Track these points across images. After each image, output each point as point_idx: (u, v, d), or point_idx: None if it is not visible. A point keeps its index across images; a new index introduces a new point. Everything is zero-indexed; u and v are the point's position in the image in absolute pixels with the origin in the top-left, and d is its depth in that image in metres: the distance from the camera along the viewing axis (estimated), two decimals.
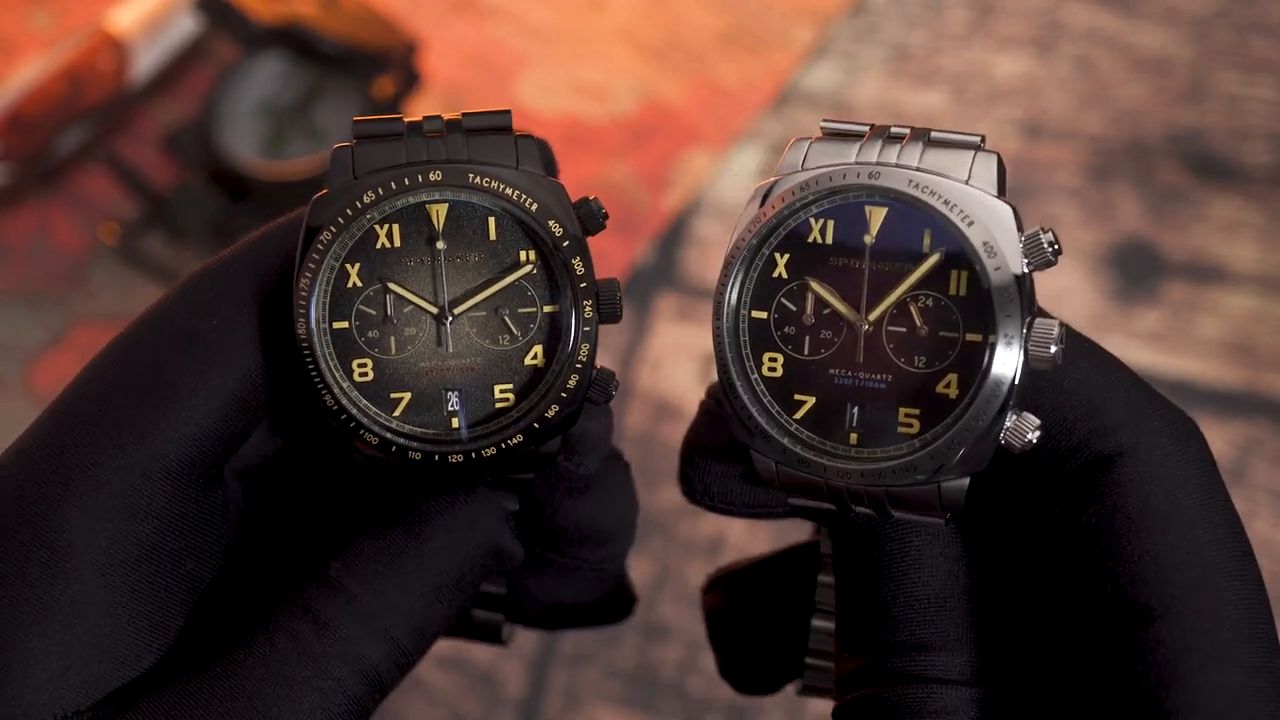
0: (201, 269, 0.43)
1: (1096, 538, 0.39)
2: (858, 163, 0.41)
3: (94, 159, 1.01)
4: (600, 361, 0.44)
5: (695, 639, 0.85)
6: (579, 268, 0.43)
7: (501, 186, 0.42)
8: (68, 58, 0.99)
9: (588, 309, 0.43)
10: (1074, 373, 0.41)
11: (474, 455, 0.43)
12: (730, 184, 1.00)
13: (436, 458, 0.43)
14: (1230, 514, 0.39)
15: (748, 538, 0.87)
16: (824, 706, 0.83)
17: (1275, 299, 0.92)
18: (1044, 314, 0.40)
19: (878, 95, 1.02)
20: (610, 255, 0.95)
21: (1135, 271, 0.94)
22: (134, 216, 0.97)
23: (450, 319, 0.43)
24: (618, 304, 0.43)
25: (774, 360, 0.43)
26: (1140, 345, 0.90)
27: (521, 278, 0.43)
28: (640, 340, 0.94)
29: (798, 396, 0.42)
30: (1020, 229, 0.40)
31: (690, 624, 0.85)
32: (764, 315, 0.43)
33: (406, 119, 0.43)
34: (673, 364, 0.93)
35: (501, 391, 0.44)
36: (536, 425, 0.43)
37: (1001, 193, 0.41)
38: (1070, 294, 0.92)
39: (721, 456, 0.44)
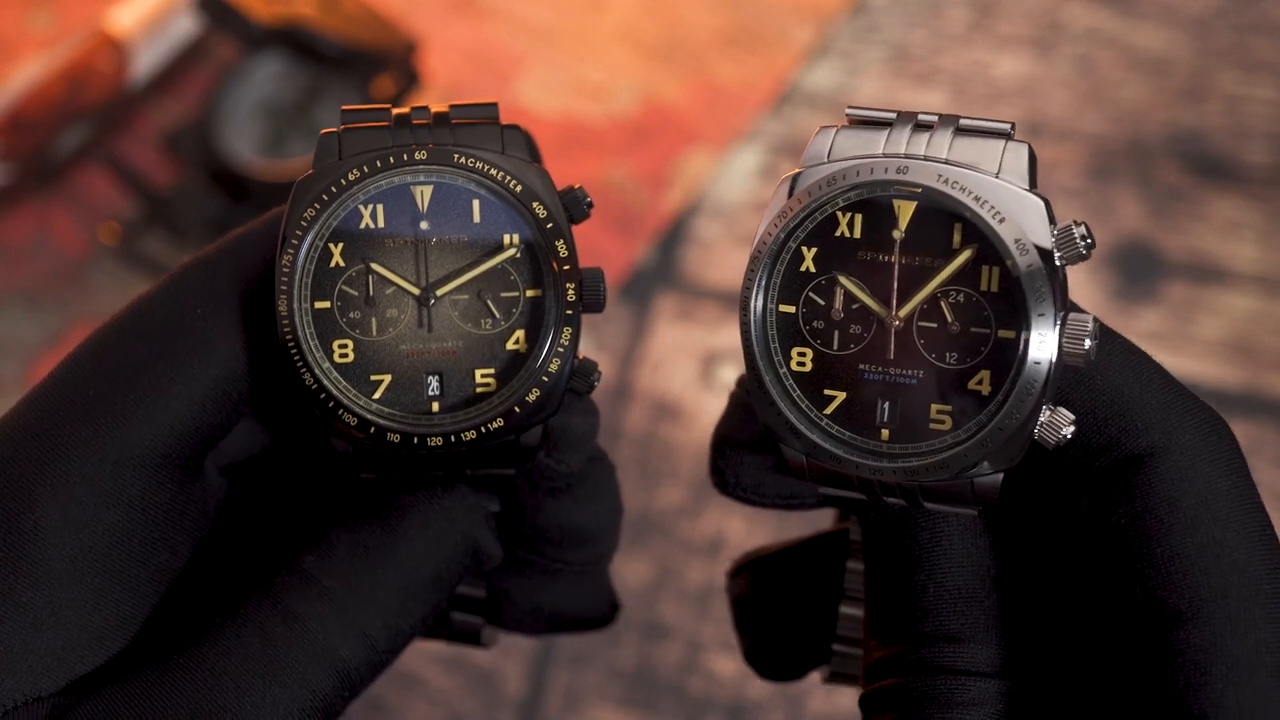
0: (186, 263, 0.43)
1: (1126, 539, 0.39)
2: (885, 155, 0.41)
3: (94, 159, 1.01)
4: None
5: (695, 639, 0.85)
6: (562, 251, 0.42)
7: (486, 167, 0.42)
8: (68, 58, 0.99)
9: (570, 294, 0.43)
10: (1106, 369, 0.40)
11: (453, 438, 0.42)
12: (730, 184, 1.00)
13: (415, 440, 0.42)
14: (1261, 516, 0.39)
15: (747, 537, 0.87)
16: (824, 707, 0.83)
17: (1275, 299, 0.92)
18: (1076, 308, 0.40)
19: (878, 95, 1.02)
20: (610, 255, 0.95)
21: (1135, 271, 0.94)
22: (134, 216, 0.97)
23: (432, 301, 0.43)
24: (601, 292, 0.43)
25: (803, 355, 0.42)
26: (1140, 345, 0.90)
27: (504, 261, 0.43)
28: (640, 340, 0.94)
29: (827, 392, 0.42)
30: (1053, 222, 0.39)
31: (690, 624, 0.85)
32: (792, 310, 0.42)
33: (395, 110, 0.43)
34: (673, 364, 0.93)
35: (483, 376, 0.43)
36: (517, 409, 0.42)
37: (1033, 185, 0.40)
38: (1071, 294, 0.92)
39: (752, 448, 0.44)
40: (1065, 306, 0.40)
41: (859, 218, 0.41)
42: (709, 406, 0.91)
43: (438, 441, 0.42)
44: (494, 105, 0.43)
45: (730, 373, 0.93)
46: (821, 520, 0.51)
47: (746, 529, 0.87)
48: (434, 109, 0.43)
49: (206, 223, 0.96)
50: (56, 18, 1.07)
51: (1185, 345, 0.91)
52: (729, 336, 0.93)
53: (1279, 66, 1.00)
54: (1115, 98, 1.00)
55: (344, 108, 0.43)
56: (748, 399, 0.45)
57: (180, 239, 0.96)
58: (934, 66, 1.03)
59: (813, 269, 0.42)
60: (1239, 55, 1.01)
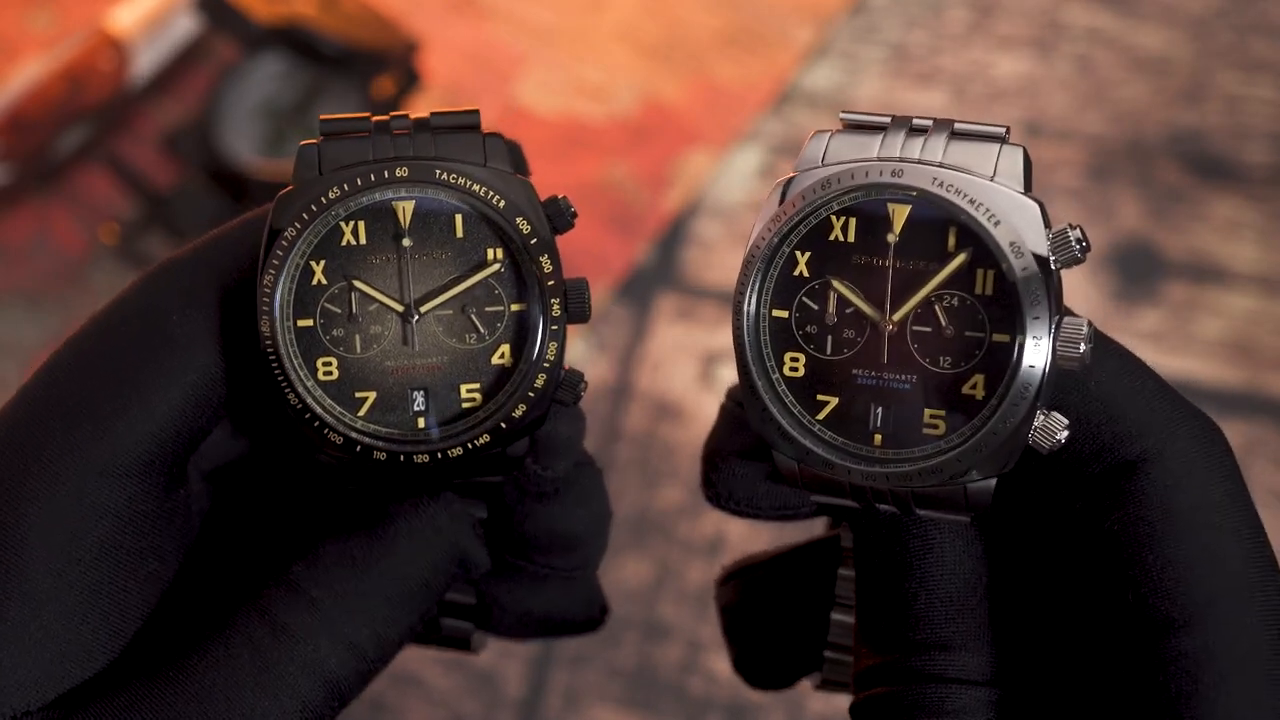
0: (162, 263, 0.43)
1: (1118, 545, 0.38)
2: (880, 159, 0.40)
3: (94, 159, 1.01)
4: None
5: (695, 639, 0.85)
6: (547, 266, 0.42)
7: (468, 183, 0.42)
8: (68, 58, 0.99)
9: (555, 308, 0.42)
10: (1100, 374, 0.40)
11: (440, 455, 0.42)
12: (730, 184, 1.00)
13: (402, 458, 0.42)
14: (1254, 524, 0.39)
15: (747, 537, 0.87)
16: (824, 707, 0.83)
17: (1275, 299, 0.92)
18: (1070, 313, 0.40)
19: (878, 95, 1.02)
20: (610, 255, 0.95)
21: (1135, 271, 0.94)
22: (134, 216, 0.97)
23: (416, 317, 0.43)
24: (586, 303, 0.43)
25: (796, 360, 0.42)
26: (1140, 345, 0.90)
27: (489, 276, 0.43)
28: (640, 340, 0.94)
29: (820, 397, 0.42)
30: (1048, 225, 0.39)
31: (690, 624, 0.85)
32: (785, 314, 0.42)
33: (375, 118, 0.43)
34: (673, 364, 0.93)
35: (468, 391, 0.43)
36: (504, 425, 0.42)
37: (1028, 188, 0.40)
38: (1070, 294, 0.91)
39: (744, 459, 0.44)
40: (1060, 310, 0.39)
41: (853, 222, 0.41)
42: (709, 407, 0.91)
43: (424, 459, 0.42)
44: (475, 113, 0.43)
45: (730, 373, 0.93)
46: (817, 529, 0.51)
47: (747, 529, 0.87)
48: (414, 116, 0.43)
49: (206, 223, 0.96)
50: (56, 18, 1.07)
51: (1185, 345, 0.91)
52: (729, 337, 0.92)
53: (1279, 66, 1.00)
54: (1115, 98, 1.00)
55: (322, 117, 0.43)
56: (738, 411, 0.45)
57: (180, 239, 0.96)
58: (934, 66, 1.03)
59: (806, 273, 0.42)
60: (1239, 55, 1.01)
